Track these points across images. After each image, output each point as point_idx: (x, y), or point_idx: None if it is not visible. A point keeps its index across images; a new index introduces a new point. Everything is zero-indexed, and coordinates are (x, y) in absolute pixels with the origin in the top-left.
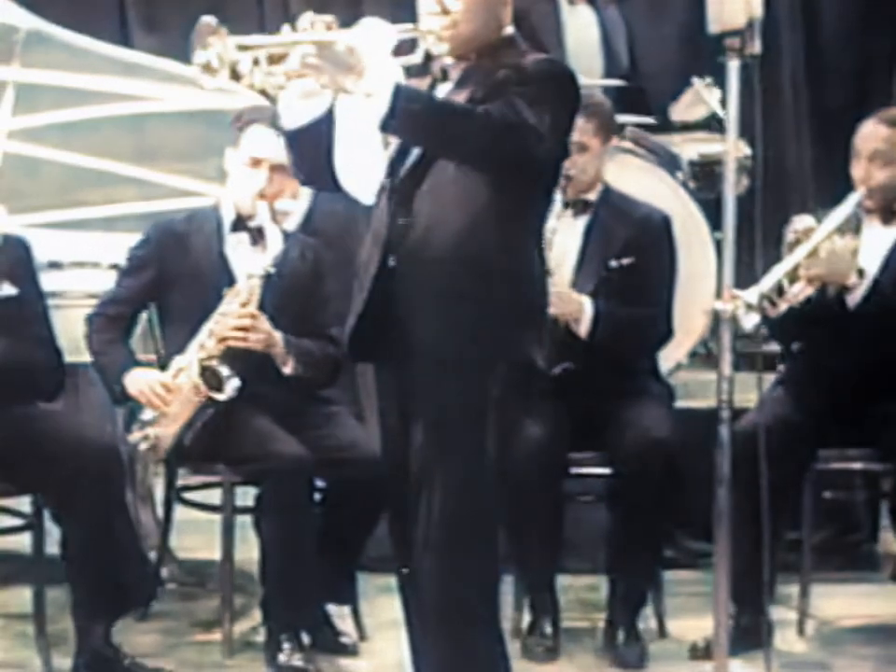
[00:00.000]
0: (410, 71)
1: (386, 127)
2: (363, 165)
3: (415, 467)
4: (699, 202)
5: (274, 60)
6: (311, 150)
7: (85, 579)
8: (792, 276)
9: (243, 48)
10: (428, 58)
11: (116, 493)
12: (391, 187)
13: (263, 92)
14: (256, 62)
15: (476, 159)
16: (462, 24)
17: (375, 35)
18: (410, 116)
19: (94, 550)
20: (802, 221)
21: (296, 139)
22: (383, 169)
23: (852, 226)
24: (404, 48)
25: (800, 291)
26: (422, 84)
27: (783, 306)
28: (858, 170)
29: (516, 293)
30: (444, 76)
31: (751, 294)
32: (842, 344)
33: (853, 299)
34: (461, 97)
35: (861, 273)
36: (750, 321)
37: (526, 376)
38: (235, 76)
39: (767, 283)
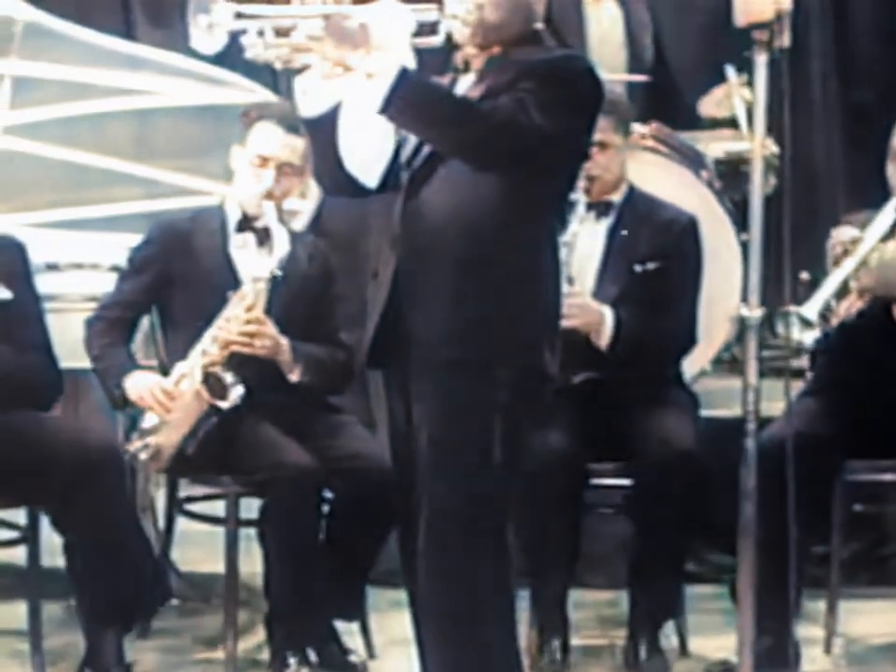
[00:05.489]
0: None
1: (385, 111)
2: (367, 145)
3: (420, 474)
4: (725, 202)
5: (281, 33)
6: (325, 145)
7: (90, 591)
8: (841, 289)
9: (241, 16)
10: (452, 48)
11: (119, 501)
12: (405, 183)
13: (269, 66)
14: (261, 33)
15: (474, 156)
16: (487, 10)
17: (391, 14)
18: (410, 102)
19: (98, 560)
20: (845, 232)
21: (311, 130)
22: (389, 150)
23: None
24: (425, 32)
25: (851, 305)
26: (444, 81)
27: (834, 321)
28: None
29: (525, 295)
30: (467, 67)
31: (810, 309)
32: (882, 355)
33: None
34: (479, 90)
35: None
36: (809, 338)
37: (537, 383)
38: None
39: (821, 297)
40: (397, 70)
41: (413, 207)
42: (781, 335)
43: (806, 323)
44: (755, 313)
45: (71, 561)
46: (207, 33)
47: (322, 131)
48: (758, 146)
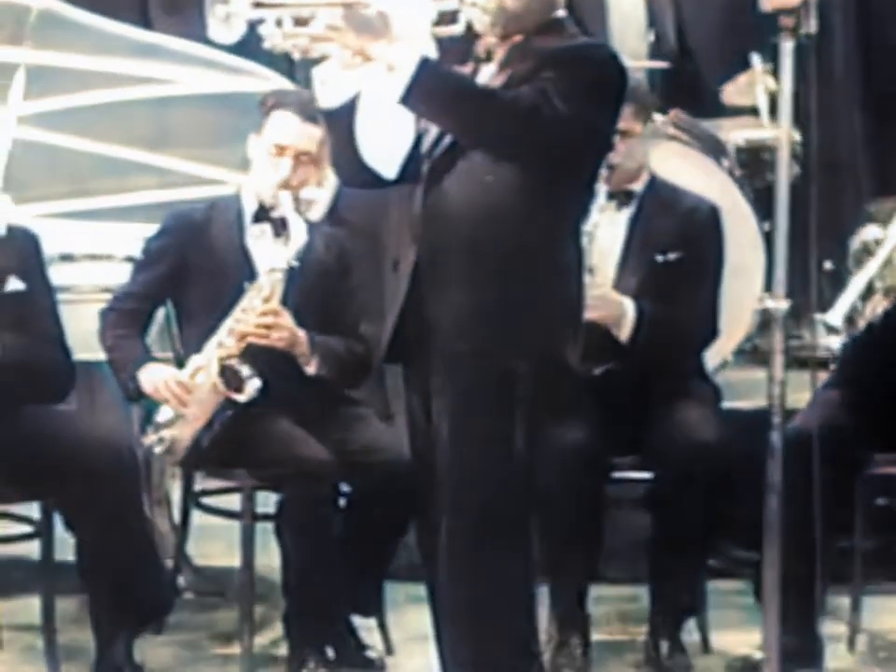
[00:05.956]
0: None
1: (406, 101)
2: (386, 136)
3: (440, 469)
4: (746, 190)
5: (300, 22)
6: (343, 135)
7: (102, 589)
8: (867, 290)
9: (259, 5)
10: (473, 37)
11: (131, 497)
12: (425, 174)
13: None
14: (279, 22)
15: (497, 147)
16: None
17: (411, 3)
18: (431, 93)
19: (110, 558)
20: (868, 231)
21: (329, 121)
22: (408, 141)
23: None
24: (446, 21)
25: (876, 305)
26: (465, 70)
27: (861, 323)
28: None
29: (547, 287)
30: (489, 56)
31: (834, 316)
32: None
33: None
34: (501, 79)
35: None
36: (836, 342)
37: (559, 376)
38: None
39: (846, 302)
40: (417, 59)
41: (433, 198)
42: (807, 340)
43: (832, 330)
44: (781, 304)
45: (82, 561)
46: (225, 22)
47: (340, 121)
48: (784, 133)
